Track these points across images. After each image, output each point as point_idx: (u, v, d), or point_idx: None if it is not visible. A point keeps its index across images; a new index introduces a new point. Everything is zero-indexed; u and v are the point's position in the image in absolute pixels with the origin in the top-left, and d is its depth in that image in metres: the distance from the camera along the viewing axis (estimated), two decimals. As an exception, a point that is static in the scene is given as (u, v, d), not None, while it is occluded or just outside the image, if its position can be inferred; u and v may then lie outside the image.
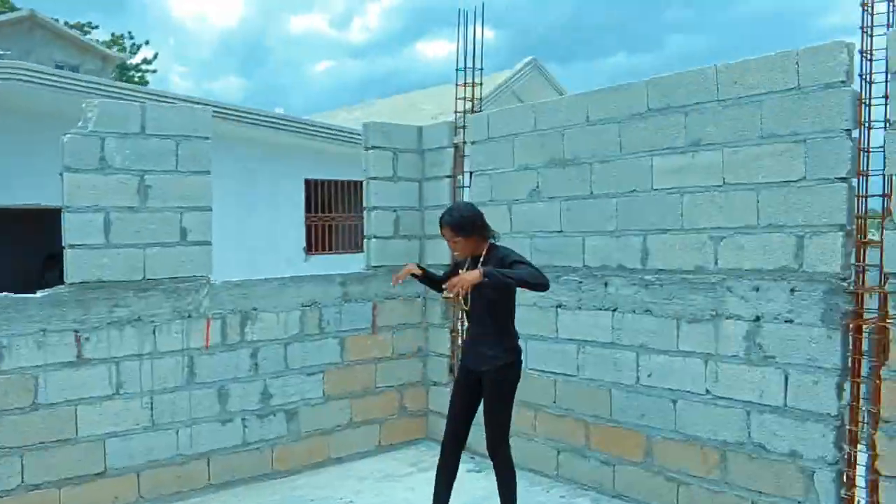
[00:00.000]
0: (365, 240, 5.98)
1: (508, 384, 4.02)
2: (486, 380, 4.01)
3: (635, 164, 4.59)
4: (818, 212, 3.81)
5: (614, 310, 4.72)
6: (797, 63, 3.88)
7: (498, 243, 4.11)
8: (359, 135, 11.62)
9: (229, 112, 10.29)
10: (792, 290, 3.91)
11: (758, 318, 4.04)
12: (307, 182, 11.60)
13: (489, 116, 5.57)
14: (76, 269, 4.55)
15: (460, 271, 4.05)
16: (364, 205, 5.99)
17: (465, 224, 4.01)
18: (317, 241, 11.94)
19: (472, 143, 5.70)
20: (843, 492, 3.76)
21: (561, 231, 5.05)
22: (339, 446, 5.66)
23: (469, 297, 3.94)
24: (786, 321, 3.93)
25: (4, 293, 4.39)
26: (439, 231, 4.11)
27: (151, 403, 4.83)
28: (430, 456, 5.74)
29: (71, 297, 4.53)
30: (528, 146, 5.27)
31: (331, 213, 12.10)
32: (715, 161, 4.21)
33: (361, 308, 5.80)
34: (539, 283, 3.76)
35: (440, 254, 5.96)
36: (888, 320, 3.59)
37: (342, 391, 5.69)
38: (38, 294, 4.47)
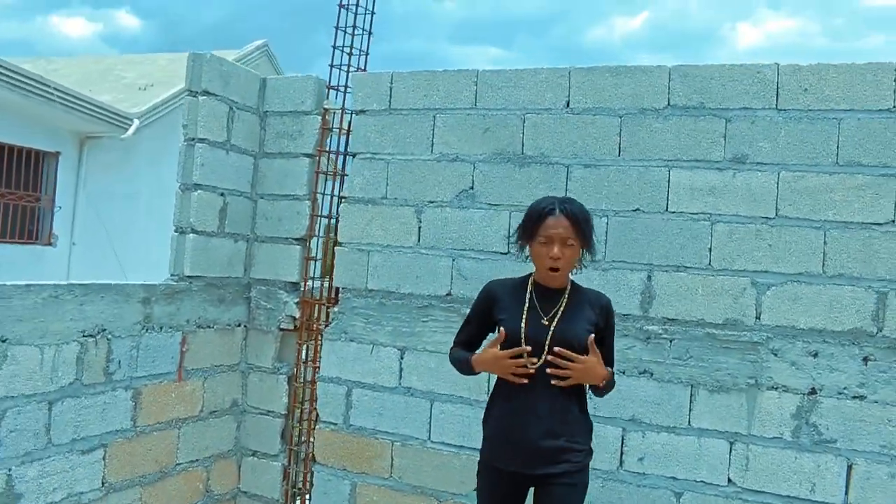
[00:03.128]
0: (175, 234, 3.84)
1: (585, 493, 2.59)
2: (553, 486, 2.52)
3: (643, 175, 3.45)
4: (910, 265, 3.08)
5: (590, 367, 3.49)
6: (895, 80, 3.12)
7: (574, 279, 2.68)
8: (57, 90, 8.71)
9: None
10: (865, 359, 3.11)
11: (814, 391, 3.16)
12: None
13: (393, 78, 3.95)
14: None
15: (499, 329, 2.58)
16: (179, 179, 3.87)
17: (589, 222, 2.57)
18: None
19: (359, 112, 4.01)
20: None
21: (507, 253, 3.67)
22: (116, 566, 3.48)
23: (541, 351, 2.50)
24: (854, 397, 3.11)
25: None
26: (532, 225, 2.55)
27: None
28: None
29: None
30: (459, 129, 3.79)
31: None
32: (766, 185, 3.26)
33: (167, 341, 3.69)
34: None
35: (278, 266, 4.12)
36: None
37: (130, 475, 3.52)
38: None
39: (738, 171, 3.31)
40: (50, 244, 9.01)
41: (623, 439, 3.44)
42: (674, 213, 3.39)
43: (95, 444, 3.33)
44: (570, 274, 2.61)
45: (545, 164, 3.62)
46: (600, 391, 2.62)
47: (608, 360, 2.62)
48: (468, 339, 2.76)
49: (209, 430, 4.00)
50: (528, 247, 2.59)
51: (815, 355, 3.17)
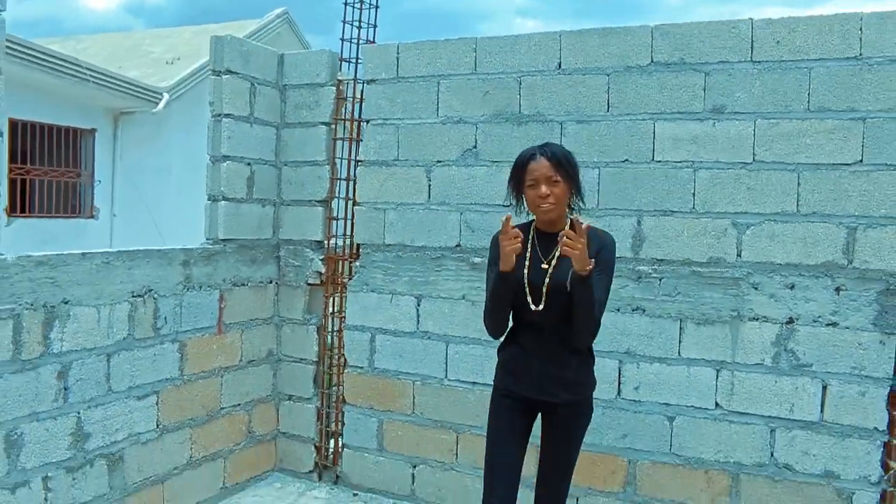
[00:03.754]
0: (208, 202, 4.24)
1: (588, 424, 2.90)
2: (561, 417, 2.81)
3: (630, 128, 3.73)
4: (876, 201, 3.33)
5: (588, 306, 3.82)
6: (860, 29, 3.34)
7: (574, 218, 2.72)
8: (89, 69, 9.14)
9: None
10: (837, 289, 3.40)
11: (791, 321, 3.47)
12: (11, 122, 8.51)
13: (399, 49, 4.25)
14: None
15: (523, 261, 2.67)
16: (209, 152, 4.24)
17: (570, 160, 2.71)
18: (21, 201, 8.91)
19: (369, 82, 4.33)
20: (888, 516, 3.37)
21: (510, 205, 3.97)
22: (176, 496, 3.93)
23: (541, 295, 2.67)
24: (828, 324, 3.41)
25: None
26: (518, 172, 2.71)
27: None
28: (295, 497, 4.35)
29: None
30: (461, 93, 4.09)
31: (38, 165, 9.10)
32: (744, 133, 3.52)
33: (206, 298, 4.10)
34: (594, 327, 2.70)
35: (303, 226, 4.50)
36: (941, 325, 3.25)
37: (180, 418, 3.97)
38: None
39: (717, 120, 3.57)
40: (92, 217, 9.54)
41: (620, 370, 3.78)
42: (659, 162, 3.68)
43: (149, 391, 3.77)
44: (567, 216, 2.74)
45: (541, 122, 3.91)
46: (581, 287, 2.54)
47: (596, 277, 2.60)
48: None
49: (248, 377, 4.43)
50: (522, 197, 2.77)
51: (792, 287, 3.46)
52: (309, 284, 4.52)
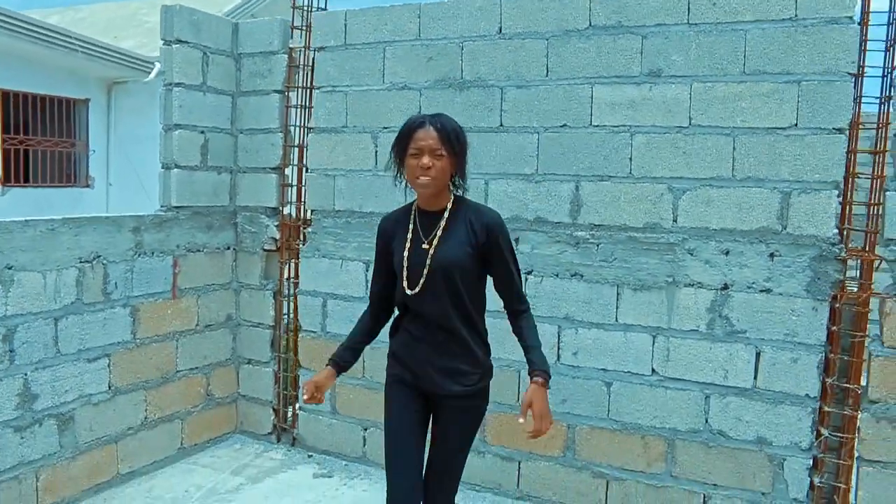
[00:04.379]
0: (161, 170, 4.30)
1: (481, 417, 2.74)
2: (452, 408, 2.61)
3: (568, 92, 3.70)
4: (810, 166, 3.29)
5: (529, 273, 3.83)
6: (796, -13, 3.28)
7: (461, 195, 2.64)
8: (79, 40, 9.23)
9: None
10: (772, 255, 3.37)
11: (726, 287, 3.45)
12: (3, 93, 8.66)
13: (347, 16, 4.24)
14: None
15: (405, 254, 2.55)
16: (161, 121, 4.30)
17: (459, 136, 2.54)
18: (15, 171, 9.09)
19: (319, 49, 4.33)
20: (817, 480, 3.37)
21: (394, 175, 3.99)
22: (131, 455, 4.06)
23: (420, 277, 2.52)
24: (762, 290, 3.39)
25: None
26: (403, 139, 2.51)
27: None
28: (252, 457, 4.44)
29: None
30: (406, 59, 4.08)
31: (32, 135, 9.25)
32: (680, 97, 3.49)
33: (159, 264, 4.17)
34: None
35: (259, 193, 4.54)
36: (873, 291, 3.22)
37: (134, 380, 4.07)
38: None
39: (654, 84, 3.53)
40: (88, 186, 9.69)
41: (559, 336, 3.80)
42: (597, 126, 3.65)
43: (100, 354, 3.87)
44: (451, 192, 2.58)
45: (482, 88, 3.89)
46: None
47: (509, 285, 2.60)
48: (381, 290, 2.73)
49: (206, 341, 4.52)
50: (401, 169, 2.56)
51: (727, 253, 3.44)
52: (265, 250, 4.58)
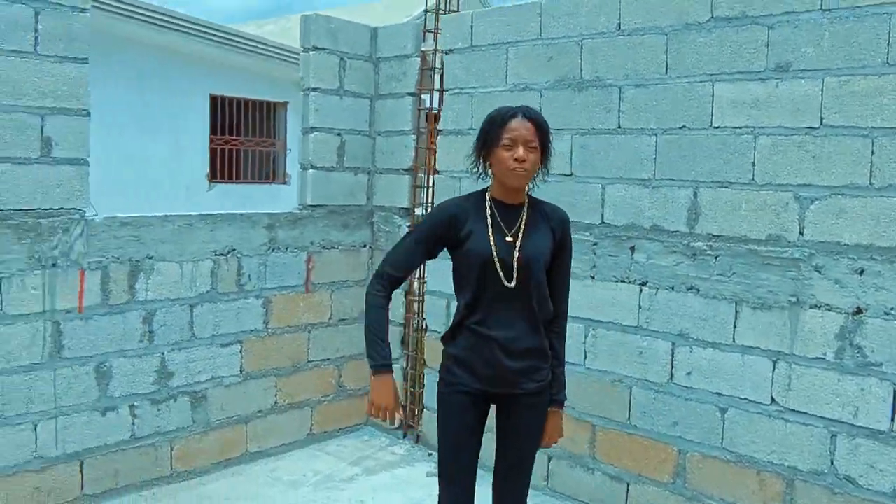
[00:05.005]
0: (300, 170, 4.59)
1: (545, 410, 2.63)
2: (525, 406, 2.53)
3: (687, 91, 3.42)
4: (967, 172, 2.78)
5: (643, 284, 3.60)
6: (956, -39, 2.77)
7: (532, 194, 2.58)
8: (276, 48, 10.19)
9: (117, 6, 8.33)
10: (914, 277, 2.89)
11: (859, 311, 3.00)
12: (213, 98, 9.76)
13: (473, 18, 4.24)
14: None
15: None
16: (302, 125, 4.58)
17: (549, 130, 2.47)
18: (221, 168, 10.23)
19: (448, 52, 4.36)
20: (964, 548, 2.84)
21: (571, 175, 3.85)
22: (260, 437, 4.37)
23: (512, 271, 2.43)
24: (900, 317, 2.92)
25: None
26: (494, 129, 2.40)
27: (-5, 389, 3.39)
28: (376, 450, 4.58)
29: None
30: (528, 60, 3.99)
31: (237, 136, 10.32)
32: (810, 94, 3.08)
33: (293, 260, 4.44)
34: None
35: (393, 194, 4.67)
36: None
37: (265, 367, 4.38)
38: None
39: (781, 80, 3.15)
40: (284, 183, 10.55)
41: (673, 353, 3.53)
42: (718, 128, 3.33)
43: (232, 340, 4.20)
44: (528, 189, 2.52)
45: (600, 87, 3.70)
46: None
47: (564, 284, 2.58)
48: (408, 270, 2.61)
49: (339, 335, 4.73)
50: (487, 160, 2.47)
51: (861, 273, 2.99)
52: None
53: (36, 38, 3.34)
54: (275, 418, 4.45)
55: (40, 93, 3.37)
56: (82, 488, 3.69)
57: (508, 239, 2.45)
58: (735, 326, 3.33)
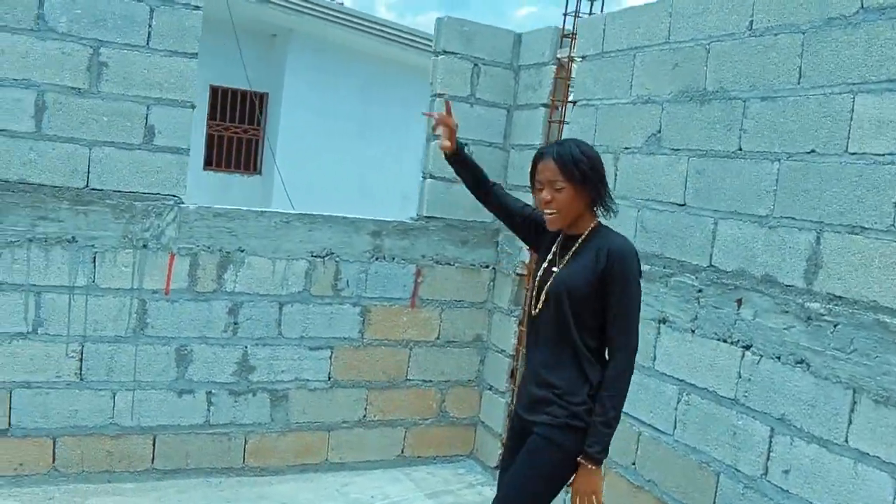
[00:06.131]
0: (420, 179, 4.38)
1: (554, 464, 2.40)
2: (527, 438, 2.46)
3: (822, 105, 2.62)
4: None
5: (747, 347, 2.84)
6: None
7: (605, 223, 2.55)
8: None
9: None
10: None
11: None
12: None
13: (606, 20, 3.71)
14: (-8, 162, 3.36)
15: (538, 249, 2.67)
16: (425, 131, 4.38)
17: (581, 164, 2.38)
18: None
19: (582, 59, 3.88)
20: None
21: (684, 205, 3.18)
22: (343, 448, 4.22)
23: (539, 300, 2.49)
24: None
25: None
26: (531, 175, 2.50)
27: (81, 353, 3.62)
28: (464, 486, 4.21)
29: (-22, 198, 3.35)
30: (653, 67, 3.38)
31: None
32: (983, 112, 2.18)
33: (399, 271, 4.24)
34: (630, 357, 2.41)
35: (520, 214, 4.25)
36: None
37: (356, 377, 4.22)
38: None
39: (943, 93, 2.27)
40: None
41: (770, 441, 2.72)
42: (854, 154, 2.50)
43: (322, 345, 4.10)
44: (592, 217, 2.48)
45: (724, 101, 3.00)
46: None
47: (613, 318, 2.37)
48: (521, 210, 2.74)
49: (446, 357, 4.43)
50: None
51: None
52: (517, 274, 4.29)
53: (149, 32, 3.54)
54: (362, 432, 4.27)
55: (148, 84, 3.56)
56: (153, 462, 3.82)
57: (554, 269, 2.47)
58: (850, 422, 2.47)
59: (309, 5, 8.47)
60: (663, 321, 3.28)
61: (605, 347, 2.43)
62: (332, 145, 9.36)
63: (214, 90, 10.09)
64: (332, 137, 9.33)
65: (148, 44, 3.55)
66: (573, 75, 3.95)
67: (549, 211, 2.42)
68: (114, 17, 3.46)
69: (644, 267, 3.34)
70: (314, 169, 9.22)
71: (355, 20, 8.74)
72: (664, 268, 3.28)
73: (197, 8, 3.62)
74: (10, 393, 3.53)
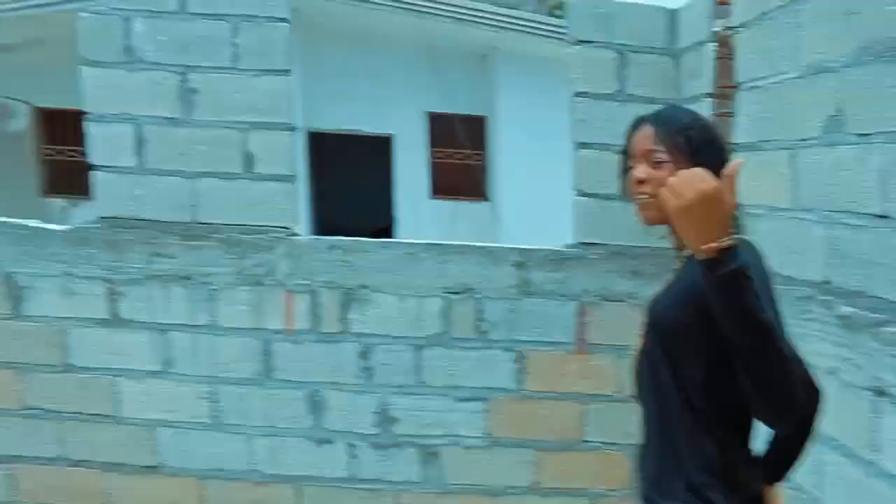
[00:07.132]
0: (574, 198, 3.52)
1: None
2: None
3: None
4: None
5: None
6: None
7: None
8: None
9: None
10: None
11: None
12: None
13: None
14: (106, 200, 3.46)
15: None
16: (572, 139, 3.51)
17: (691, 130, 1.63)
18: None
19: (739, 28, 2.71)
20: None
21: (884, 216, 1.96)
22: (511, 516, 3.59)
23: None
24: None
25: (20, 220, 3.56)
26: (624, 150, 1.73)
27: (212, 394, 3.58)
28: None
29: (98, 236, 3.47)
30: (824, 21, 2.18)
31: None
32: None
33: (555, 309, 3.46)
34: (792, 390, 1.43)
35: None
36: None
37: (520, 435, 3.55)
38: (61, 227, 3.55)
39: None
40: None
41: None
42: None
43: (472, 396, 3.51)
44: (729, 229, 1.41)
45: (914, 50, 1.76)
46: (715, 290, 1.39)
47: (741, 364, 1.43)
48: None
49: (629, 415, 3.48)
50: None
51: None
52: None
53: (235, 52, 3.36)
54: (536, 500, 3.58)
55: (240, 108, 3.39)
56: (300, 512, 3.62)
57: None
58: None
59: (508, 20, 7.90)
60: (882, 392, 2.07)
61: (698, 411, 1.65)
62: (554, 169, 8.77)
63: (432, 117, 9.94)
64: (553, 159, 8.71)
65: (235, 65, 3.37)
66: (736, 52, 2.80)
67: (640, 194, 1.65)
68: (197, 39, 3.35)
69: (845, 309, 2.22)
70: (539, 192, 8.66)
71: (559, 31, 7.97)
72: (872, 311, 2.07)
73: (282, 20, 3.35)
74: (155, 430, 3.62)
